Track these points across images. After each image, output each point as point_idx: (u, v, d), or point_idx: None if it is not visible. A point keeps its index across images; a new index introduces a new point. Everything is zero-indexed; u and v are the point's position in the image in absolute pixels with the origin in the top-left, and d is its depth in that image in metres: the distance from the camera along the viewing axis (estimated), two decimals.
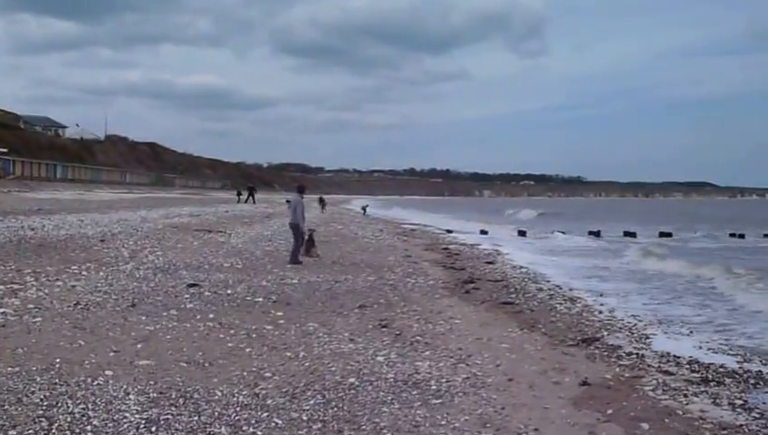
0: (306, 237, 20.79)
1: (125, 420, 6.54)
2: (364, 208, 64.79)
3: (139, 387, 7.54)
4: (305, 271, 17.76)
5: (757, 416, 7.65)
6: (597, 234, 45.75)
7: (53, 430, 6.27)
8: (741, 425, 7.30)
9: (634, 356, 10.25)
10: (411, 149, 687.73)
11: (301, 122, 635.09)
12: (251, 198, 75.22)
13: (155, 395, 7.30)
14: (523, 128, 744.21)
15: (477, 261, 23.93)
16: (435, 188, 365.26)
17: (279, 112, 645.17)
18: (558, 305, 14.75)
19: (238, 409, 7.04)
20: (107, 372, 8.03)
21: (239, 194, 77.65)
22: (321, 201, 62.71)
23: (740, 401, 8.17)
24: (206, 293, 13.84)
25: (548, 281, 19.31)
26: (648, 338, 11.84)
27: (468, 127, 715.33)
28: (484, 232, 45.58)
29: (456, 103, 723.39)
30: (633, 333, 12.14)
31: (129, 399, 7.15)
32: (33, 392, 7.22)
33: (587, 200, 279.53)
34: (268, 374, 8.32)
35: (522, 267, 22.67)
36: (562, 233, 45.92)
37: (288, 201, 69.00)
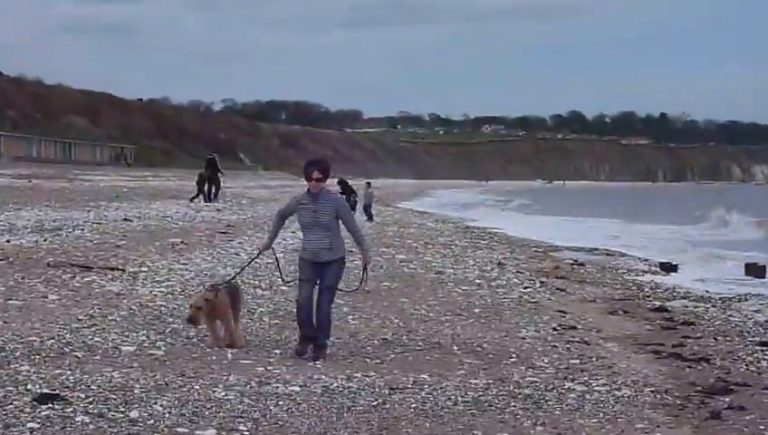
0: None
1: None
2: (366, 208, 40.97)
3: None
4: (309, 362, 10.52)
5: None
6: None
7: None
8: None
9: None
10: None
11: None
12: (210, 184, 44.48)
13: None
14: None
15: (739, 339, 13.79)
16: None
17: None
18: None
19: None
20: None
21: (200, 184, 44.62)
22: (346, 188, 39.24)
23: None
24: (79, 418, 7.93)
25: None
26: None
27: None
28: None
29: None
30: None
31: None
32: None
33: None
34: None
35: None
36: None
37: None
